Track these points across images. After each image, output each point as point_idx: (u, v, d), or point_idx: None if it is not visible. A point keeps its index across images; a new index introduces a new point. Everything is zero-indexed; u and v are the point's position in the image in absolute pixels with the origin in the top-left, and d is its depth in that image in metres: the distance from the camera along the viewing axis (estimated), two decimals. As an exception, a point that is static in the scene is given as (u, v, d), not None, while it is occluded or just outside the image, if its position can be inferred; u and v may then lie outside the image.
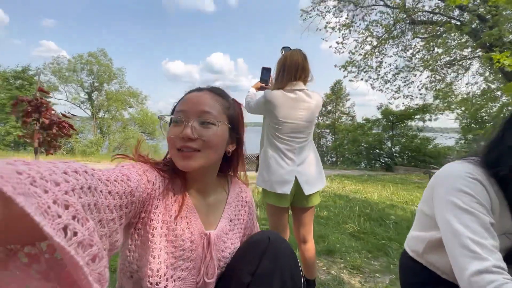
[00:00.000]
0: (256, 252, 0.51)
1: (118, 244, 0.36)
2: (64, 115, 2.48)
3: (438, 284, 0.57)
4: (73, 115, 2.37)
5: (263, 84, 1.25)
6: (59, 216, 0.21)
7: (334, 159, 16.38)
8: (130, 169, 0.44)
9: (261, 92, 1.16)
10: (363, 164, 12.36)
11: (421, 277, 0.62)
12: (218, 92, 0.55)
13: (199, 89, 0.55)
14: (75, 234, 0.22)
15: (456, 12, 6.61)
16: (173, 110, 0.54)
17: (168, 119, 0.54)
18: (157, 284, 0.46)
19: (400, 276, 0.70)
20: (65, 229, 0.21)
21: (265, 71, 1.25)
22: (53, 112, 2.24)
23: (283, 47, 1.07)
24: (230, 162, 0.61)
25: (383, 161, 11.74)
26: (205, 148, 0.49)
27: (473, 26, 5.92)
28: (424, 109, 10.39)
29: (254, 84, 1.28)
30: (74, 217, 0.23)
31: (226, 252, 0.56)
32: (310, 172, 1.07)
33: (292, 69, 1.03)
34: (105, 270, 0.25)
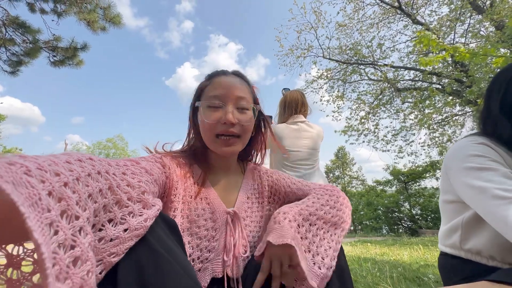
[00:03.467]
0: None
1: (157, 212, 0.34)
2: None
3: (487, 274, 0.51)
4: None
5: None
6: (49, 210, 0.20)
7: (352, 227, 15.11)
8: (140, 159, 0.45)
9: None
10: (384, 231, 11.31)
11: (465, 271, 0.54)
12: (242, 76, 0.59)
13: (224, 73, 0.58)
14: (56, 232, 0.20)
15: (435, 78, 7.47)
16: (199, 92, 0.56)
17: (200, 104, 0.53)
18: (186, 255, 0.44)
19: (443, 279, 0.61)
20: (51, 225, 0.20)
21: (267, 118, 1.39)
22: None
23: (284, 89, 1.24)
24: (251, 145, 0.63)
25: (406, 225, 10.79)
26: (243, 133, 0.53)
27: (454, 87, 6.56)
28: (433, 166, 10.27)
29: None
30: (63, 212, 0.22)
31: (246, 229, 0.54)
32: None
33: (293, 104, 1.17)
34: (88, 275, 0.22)
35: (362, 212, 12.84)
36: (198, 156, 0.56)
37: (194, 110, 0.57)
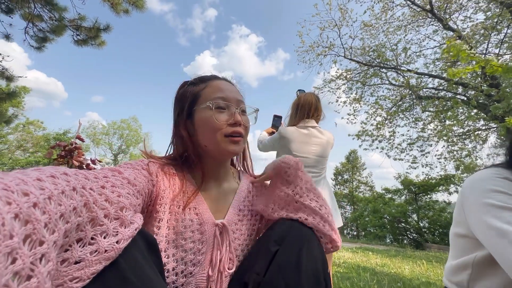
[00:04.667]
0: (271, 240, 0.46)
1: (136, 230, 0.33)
2: (93, 161, 2.66)
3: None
4: (99, 161, 2.54)
5: (274, 130, 1.33)
6: (11, 237, 0.18)
7: (355, 233, 14.92)
8: (125, 166, 0.44)
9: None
10: (388, 240, 11.09)
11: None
12: (232, 82, 0.59)
13: (217, 77, 0.58)
14: (14, 261, 0.18)
15: (460, 89, 7.08)
16: (194, 96, 0.54)
17: (208, 104, 0.51)
18: (165, 280, 0.42)
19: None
20: (10, 254, 0.18)
21: (277, 118, 1.35)
22: (83, 157, 2.43)
23: (298, 90, 1.19)
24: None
25: (411, 237, 10.52)
26: (245, 134, 0.54)
27: (480, 100, 6.20)
28: (447, 180, 9.88)
29: (265, 129, 1.37)
30: (27, 237, 0.20)
31: (235, 243, 0.52)
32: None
33: (306, 107, 1.12)
34: None
35: (367, 219, 12.60)
36: (191, 164, 0.54)
37: (188, 115, 0.55)
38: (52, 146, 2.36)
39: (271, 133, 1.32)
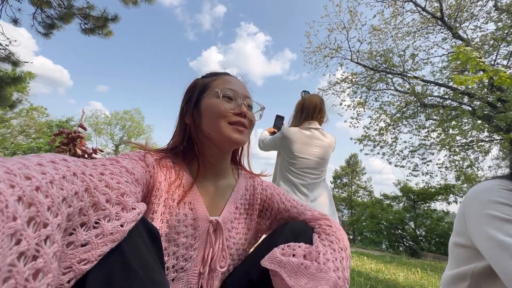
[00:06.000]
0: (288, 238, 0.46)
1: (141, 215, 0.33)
2: (94, 150, 2.66)
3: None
4: (100, 151, 2.54)
5: (276, 130, 1.33)
6: (15, 219, 0.18)
7: (351, 236, 14.93)
8: (122, 156, 0.44)
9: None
10: (384, 246, 11.08)
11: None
12: (244, 82, 0.60)
13: (229, 74, 0.60)
14: (18, 242, 0.18)
15: (466, 99, 7.03)
16: (204, 86, 0.55)
17: (218, 91, 0.52)
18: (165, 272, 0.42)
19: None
20: (13, 235, 0.18)
21: (279, 118, 1.34)
22: (86, 146, 2.44)
23: (303, 91, 1.19)
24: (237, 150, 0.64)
25: (407, 244, 10.50)
26: (250, 128, 0.54)
27: (485, 112, 6.15)
28: (447, 190, 9.83)
29: (267, 129, 1.37)
30: (31, 219, 0.20)
31: (230, 241, 0.51)
32: (323, 211, 1.02)
33: (310, 109, 1.11)
34: None
35: (364, 223, 12.59)
36: (189, 157, 0.54)
37: (196, 103, 0.55)
38: (56, 133, 2.38)
39: (272, 133, 1.32)
